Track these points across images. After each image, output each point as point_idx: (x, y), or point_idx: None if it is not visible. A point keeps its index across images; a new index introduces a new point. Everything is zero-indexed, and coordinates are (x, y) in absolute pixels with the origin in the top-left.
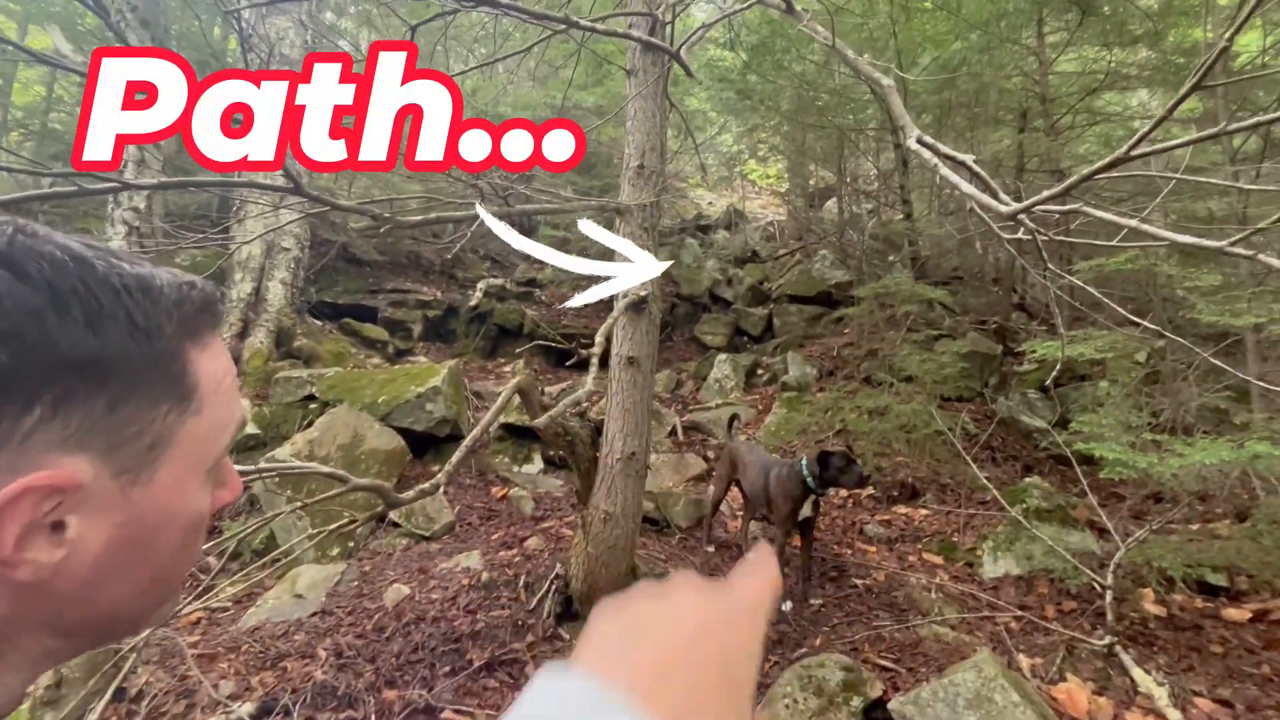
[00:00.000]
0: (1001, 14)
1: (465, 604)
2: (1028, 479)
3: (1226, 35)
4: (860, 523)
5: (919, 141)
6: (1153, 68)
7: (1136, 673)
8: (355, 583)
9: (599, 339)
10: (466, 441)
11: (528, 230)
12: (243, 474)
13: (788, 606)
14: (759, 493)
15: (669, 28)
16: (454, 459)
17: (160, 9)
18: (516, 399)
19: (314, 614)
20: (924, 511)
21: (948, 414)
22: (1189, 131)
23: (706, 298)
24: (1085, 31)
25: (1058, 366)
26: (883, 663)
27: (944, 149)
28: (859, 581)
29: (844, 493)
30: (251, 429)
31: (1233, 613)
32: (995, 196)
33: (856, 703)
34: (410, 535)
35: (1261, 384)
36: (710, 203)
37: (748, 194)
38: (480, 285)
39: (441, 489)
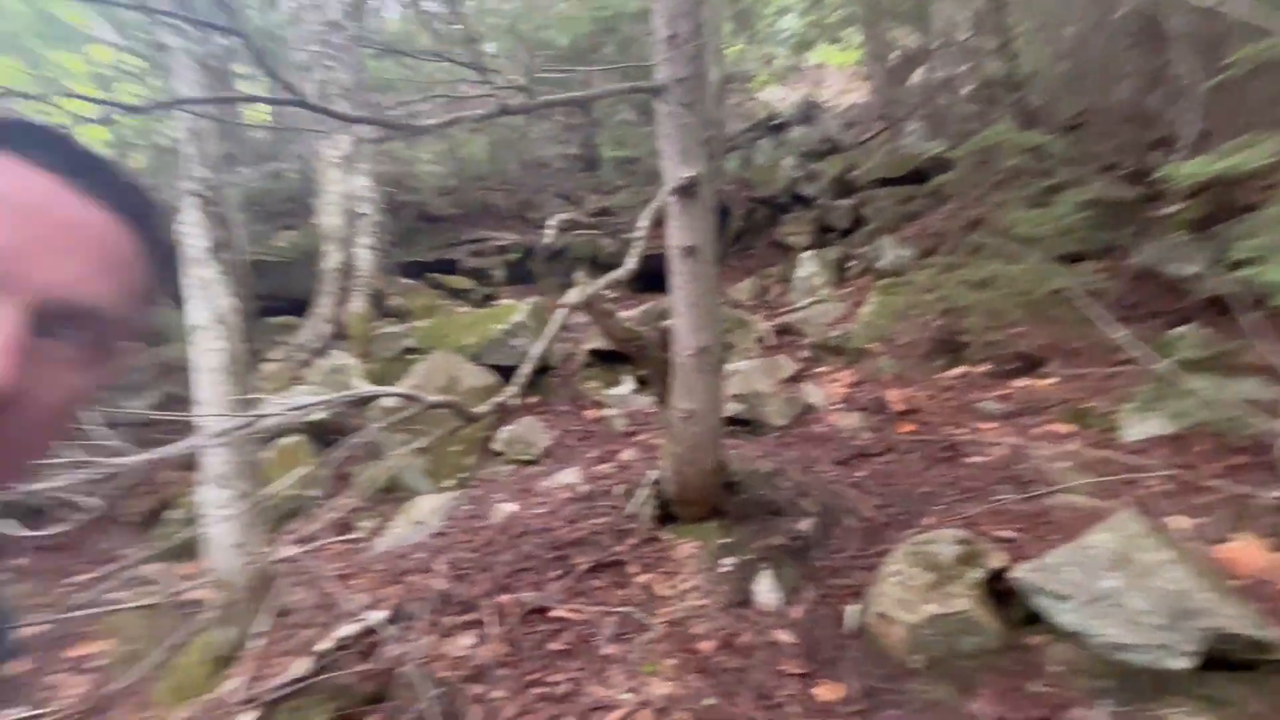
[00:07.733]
0: None
1: (567, 515)
2: (1177, 330)
3: None
4: (973, 401)
5: None
6: None
7: None
8: (467, 507)
9: (641, 223)
10: (532, 351)
11: (591, 161)
12: (307, 406)
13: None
14: None
15: None
16: (521, 371)
17: None
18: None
19: (433, 536)
20: (1048, 381)
21: (1071, 272)
22: None
23: (786, 197)
24: None
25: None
26: (1004, 534)
27: None
28: (975, 459)
29: (954, 372)
30: (362, 383)
31: None
32: None
33: (974, 574)
34: (514, 461)
35: None
36: (782, 98)
37: (822, 82)
38: (551, 222)
39: (514, 398)
